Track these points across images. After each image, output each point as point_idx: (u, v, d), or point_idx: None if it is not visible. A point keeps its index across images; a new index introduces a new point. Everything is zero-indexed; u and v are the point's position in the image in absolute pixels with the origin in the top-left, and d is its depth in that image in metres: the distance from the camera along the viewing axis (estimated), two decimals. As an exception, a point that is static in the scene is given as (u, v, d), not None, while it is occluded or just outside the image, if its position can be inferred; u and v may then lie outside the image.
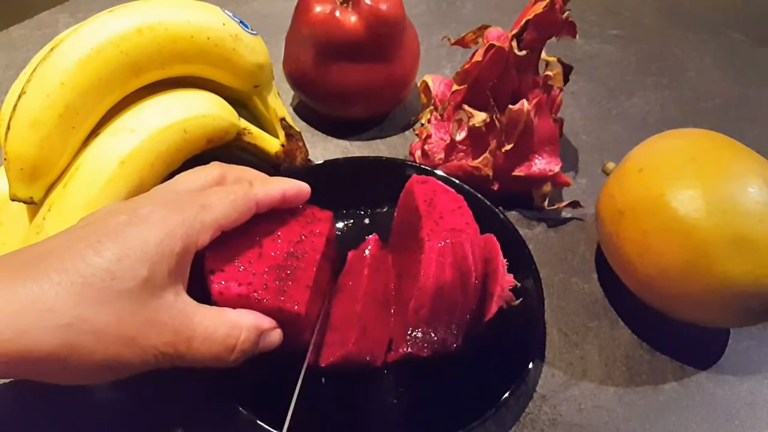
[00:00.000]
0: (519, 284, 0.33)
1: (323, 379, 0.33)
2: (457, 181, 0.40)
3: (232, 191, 0.28)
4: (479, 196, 0.39)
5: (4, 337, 0.22)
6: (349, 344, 0.31)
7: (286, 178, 0.32)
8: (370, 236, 0.38)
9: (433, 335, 0.31)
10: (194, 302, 0.26)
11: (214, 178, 0.30)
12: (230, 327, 0.26)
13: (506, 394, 0.30)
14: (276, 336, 0.28)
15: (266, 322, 0.28)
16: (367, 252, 0.37)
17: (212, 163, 0.31)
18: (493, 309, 0.32)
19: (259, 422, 0.29)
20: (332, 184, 0.38)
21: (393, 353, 0.33)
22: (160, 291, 0.25)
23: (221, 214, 0.27)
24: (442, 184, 0.35)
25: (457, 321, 0.32)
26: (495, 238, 0.34)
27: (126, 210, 0.26)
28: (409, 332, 0.31)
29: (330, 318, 0.34)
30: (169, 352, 0.25)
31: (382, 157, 0.45)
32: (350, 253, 0.37)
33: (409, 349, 0.32)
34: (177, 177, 0.30)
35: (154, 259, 0.24)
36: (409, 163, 0.42)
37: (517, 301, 0.33)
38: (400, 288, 0.35)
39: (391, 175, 0.41)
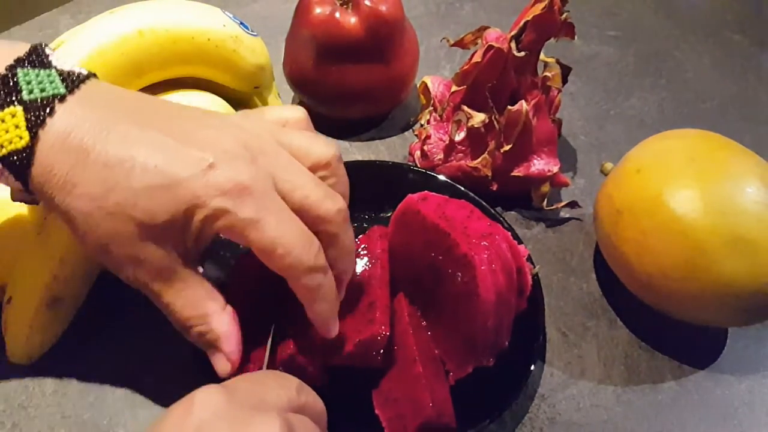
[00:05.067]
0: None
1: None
2: (444, 178, 0.39)
3: (293, 244, 0.24)
4: (475, 196, 0.39)
5: (52, 175, 0.23)
6: (428, 409, 0.28)
7: (334, 296, 0.27)
8: (396, 297, 0.34)
9: (496, 342, 0.31)
10: (193, 271, 0.26)
11: (321, 161, 0.27)
12: (196, 317, 0.26)
13: (510, 400, 0.31)
14: (225, 367, 0.27)
15: (228, 349, 0.27)
16: (397, 308, 0.33)
17: (333, 145, 0.28)
18: (530, 281, 0.32)
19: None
20: None
21: (455, 373, 0.31)
22: (167, 243, 0.24)
23: (254, 243, 0.24)
24: (440, 195, 0.34)
25: (509, 319, 0.31)
26: (494, 222, 0.33)
27: (219, 152, 0.24)
28: (479, 349, 0.30)
29: (383, 391, 0.31)
30: (134, 282, 0.25)
31: (387, 161, 0.45)
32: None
33: (478, 365, 0.30)
34: (301, 151, 0.27)
35: (176, 215, 0.24)
36: (411, 166, 0.42)
37: (537, 269, 0.34)
38: (440, 307, 0.32)
39: (394, 179, 0.41)
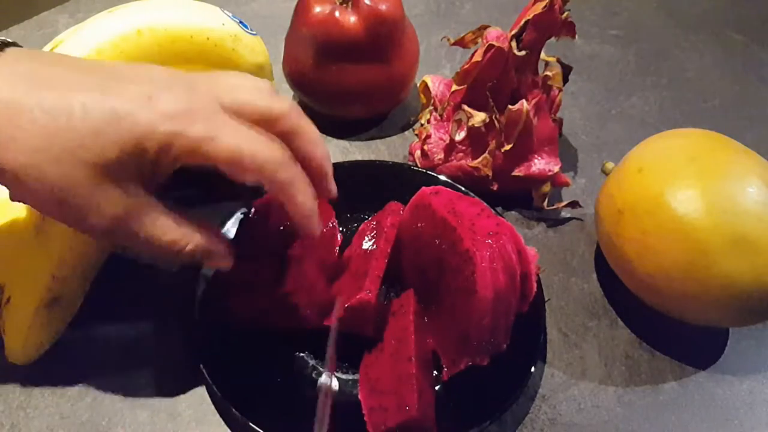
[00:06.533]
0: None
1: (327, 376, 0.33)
2: (444, 178, 0.40)
3: (252, 147, 0.25)
4: (476, 197, 0.39)
5: None
6: (413, 410, 0.29)
7: (308, 191, 0.28)
8: (406, 292, 0.34)
9: (493, 341, 0.31)
10: (151, 199, 0.25)
11: (272, 114, 0.27)
12: (180, 233, 0.26)
13: (511, 401, 0.31)
14: (225, 262, 0.28)
15: (221, 248, 0.28)
16: (402, 306, 0.34)
17: (287, 102, 0.27)
18: (534, 287, 0.32)
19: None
20: (337, 187, 0.38)
21: (448, 369, 0.32)
22: (123, 180, 0.24)
23: (218, 157, 0.24)
24: (453, 190, 0.34)
25: (509, 321, 0.31)
26: (505, 221, 0.33)
27: (155, 85, 0.24)
28: (473, 346, 0.30)
29: (371, 379, 0.32)
30: (104, 230, 0.25)
31: (387, 161, 0.45)
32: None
33: (472, 362, 0.31)
34: (244, 85, 0.27)
35: (126, 148, 0.23)
36: (414, 167, 0.42)
37: (542, 271, 0.34)
38: (440, 301, 0.33)
39: (396, 179, 0.41)
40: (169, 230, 0.26)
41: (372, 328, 0.32)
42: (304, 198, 0.27)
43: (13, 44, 0.25)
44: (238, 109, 0.26)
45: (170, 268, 0.30)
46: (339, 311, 0.32)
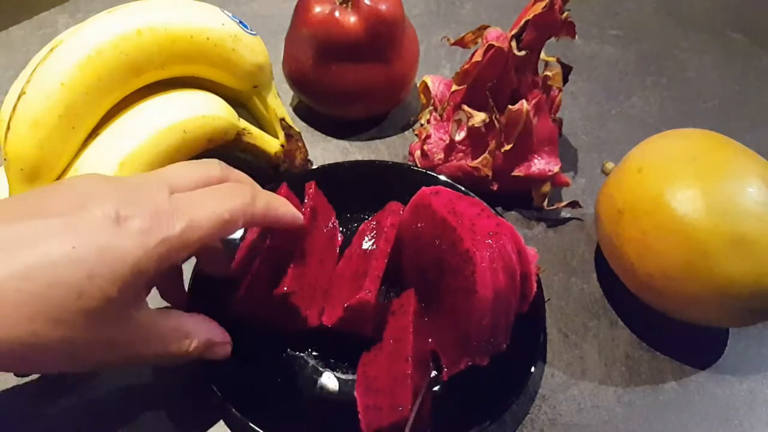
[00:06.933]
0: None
1: (327, 376, 0.33)
2: (444, 178, 0.40)
3: (226, 205, 0.26)
4: (476, 197, 0.39)
5: None
6: (406, 410, 0.29)
7: (283, 200, 0.30)
8: (406, 292, 0.34)
9: (492, 342, 0.31)
10: (151, 311, 0.25)
11: (212, 177, 0.28)
12: (183, 335, 0.27)
13: (511, 401, 0.31)
14: (225, 350, 0.29)
15: (218, 335, 0.29)
16: (402, 305, 0.34)
17: (212, 161, 0.29)
18: (534, 287, 0.32)
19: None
20: (337, 187, 0.38)
21: (449, 369, 0.32)
22: (127, 310, 0.24)
23: (207, 233, 0.25)
24: (453, 190, 0.34)
25: (509, 321, 0.31)
26: (506, 221, 0.33)
27: (109, 203, 0.23)
28: (473, 346, 0.30)
29: (368, 378, 0.32)
30: (116, 362, 0.25)
31: (387, 161, 0.45)
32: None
33: (472, 362, 0.31)
34: (172, 167, 0.28)
35: (126, 279, 0.23)
36: (414, 167, 0.42)
37: (542, 270, 0.34)
38: (440, 301, 0.33)
39: (396, 179, 0.41)
40: (173, 342, 0.26)
41: (371, 328, 0.32)
42: (283, 208, 0.30)
43: None
44: (184, 186, 0.26)
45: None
46: (338, 311, 0.32)
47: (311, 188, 0.35)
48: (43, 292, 0.21)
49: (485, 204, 0.34)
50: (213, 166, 0.29)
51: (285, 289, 0.31)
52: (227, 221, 0.26)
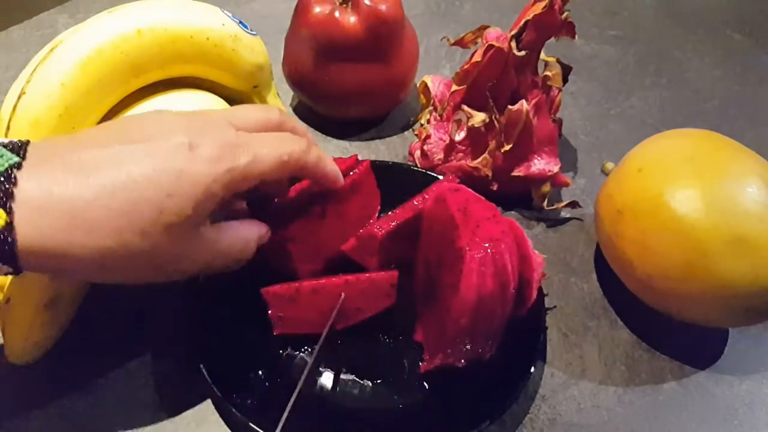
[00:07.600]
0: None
1: (327, 376, 0.34)
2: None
3: (286, 148, 0.29)
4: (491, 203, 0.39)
5: (48, 239, 0.23)
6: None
7: (330, 159, 0.33)
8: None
9: (470, 346, 0.31)
10: (215, 227, 0.28)
11: (272, 122, 0.30)
12: (244, 243, 0.30)
13: (511, 401, 0.31)
14: (267, 236, 0.32)
15: (264, 229, 0.31)
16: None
17: (273, 107, 0.32)
18: (534, 295, 0.32)
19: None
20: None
21: (426, 363, 0.32)
22: (198, 227, 0.26)
23: (267, 170, 0.28)
24: (473, 192, 0.34)
25: (494, 330, 0.31)
26: (516, 223, 0.33)
27: (183, 133, 0.26)
28: (447, 342, 0.31)
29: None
30: (190, 272, 0.28)
31: (387, 161, 0.45)
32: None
33: (445, 360, 0.31)
34: (237, 108, 0.32)
35: (199, 200, 0.25)
36: (414, 168, 0.42)
37: (547, 277, 0.34)
38: (434, 295, 0.33)
39: (396, 179, 0.41)
40: (240, 241, 0.29)
41: (376, 262, 0.35)
42: (330, 165, 0.32)
43: (19, 143, 0.25)
44: (246, 126, 0.29)
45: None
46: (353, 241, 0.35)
47: (363, 166, 0.36)
48: (129, 209, 0.24)
49: (500, 211, 0.34)
50: (273, 111, 0.31)
51: (287, 235, 0.33)
52: (285, 162, 0.28)
